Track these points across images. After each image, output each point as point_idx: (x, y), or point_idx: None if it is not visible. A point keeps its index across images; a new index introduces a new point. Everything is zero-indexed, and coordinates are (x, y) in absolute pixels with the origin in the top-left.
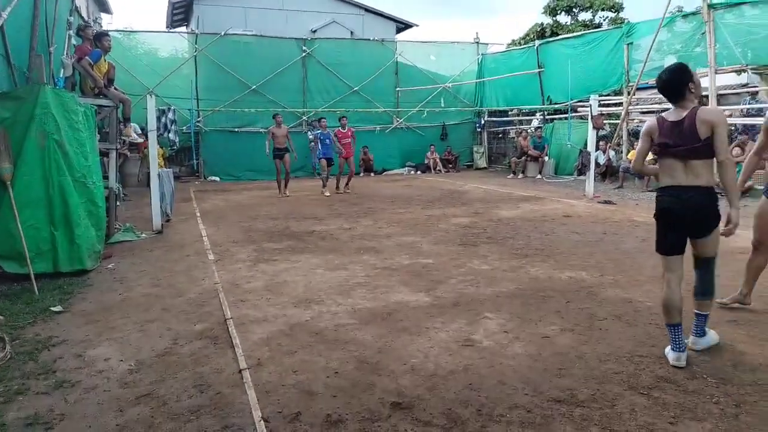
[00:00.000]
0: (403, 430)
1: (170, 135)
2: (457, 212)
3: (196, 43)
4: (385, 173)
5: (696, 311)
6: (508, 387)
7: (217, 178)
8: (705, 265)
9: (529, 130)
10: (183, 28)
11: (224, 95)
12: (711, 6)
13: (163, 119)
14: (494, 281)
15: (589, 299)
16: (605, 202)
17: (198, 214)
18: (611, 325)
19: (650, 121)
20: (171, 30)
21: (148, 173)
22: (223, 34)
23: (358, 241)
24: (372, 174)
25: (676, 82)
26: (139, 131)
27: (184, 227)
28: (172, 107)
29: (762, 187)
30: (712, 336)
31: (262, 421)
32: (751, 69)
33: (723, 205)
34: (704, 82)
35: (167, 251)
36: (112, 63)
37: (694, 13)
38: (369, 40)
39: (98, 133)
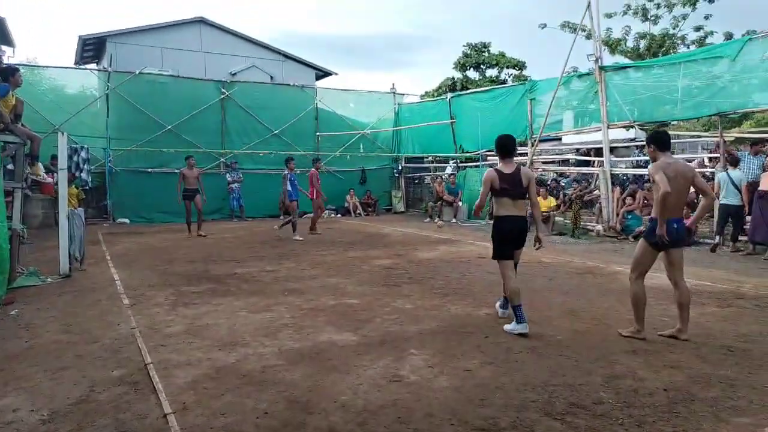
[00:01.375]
0: None
1: (83, 175)
2: (379, 254)
3: (108, 81)
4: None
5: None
6: (436, 418)
7: (127, 220)
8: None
9: (443, 176)
10: (93, 65)
11: (138, 135)
12: (602, 68)
13: (75, 158)
14: (418, 319)
15: (505, 334)
16: None
17: (108, 258)
18: (526, 358)
19: (490, 172)
20: (80, 66)
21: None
22: (137, 72)
23: (281, 283)
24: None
25: (513, 146)
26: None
27: (95, 271)
28: (85, 146)
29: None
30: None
31: None
32: (638, 125)
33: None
34: (597, 136)
35: (77, 296)
36: (20, 99)
37: (587, 74)
38: (289, 85)
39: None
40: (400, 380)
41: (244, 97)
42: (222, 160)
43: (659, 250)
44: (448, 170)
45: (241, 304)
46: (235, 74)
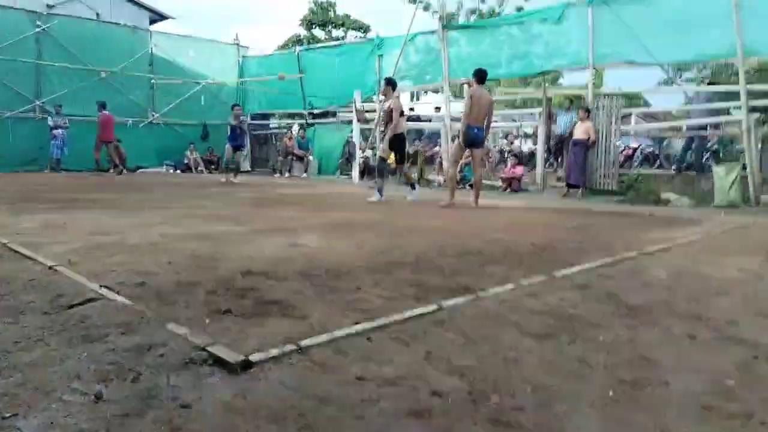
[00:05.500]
0: (263, 282)
1: None
2: (238, 192)
3: None
4: (139, 171)
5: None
6: (345, 262)
7: None
8: None
9: (293, 131)
10: None
11: None
12: (445, 27)
13: None
14: (300, 220)
15: (388, 226)
16: (371, 187)
17: None
18: (411, 236)
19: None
20: None
21: None
22: None
23: (140, 203)
24: (124, 171)
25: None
26: None
27: None
28: None
29: None
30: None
31: (104, 288)
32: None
33: None
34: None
35: None
36: None
37: (432, 32)
38: (119, 24)
39: None
40: (300, 246)
41: (65, 33)
42: (38, 102)
43: (466, 147)
44: (295, 128)
45: (97, 215)
46: (53, 6)
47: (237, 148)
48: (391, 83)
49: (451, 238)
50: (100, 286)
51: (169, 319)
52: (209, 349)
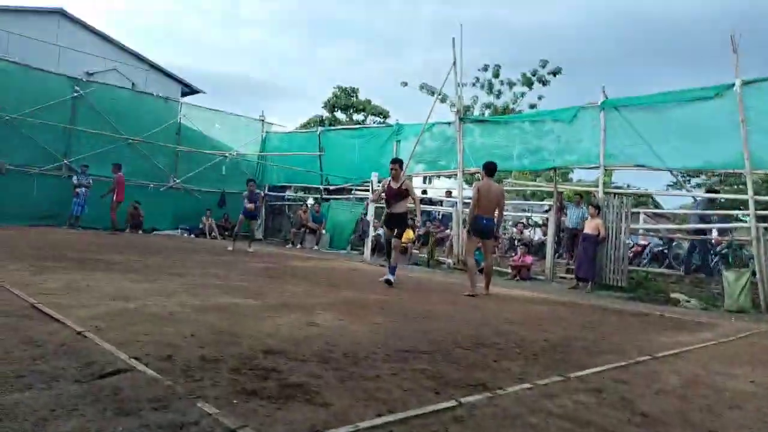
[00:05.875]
0: (284, 364)
1: None
2: (251, 261)
3: None
4: (155, 233)
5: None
6: (362, 346)
7: None
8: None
9: (308, 204)
10: None
11: None
12: (461, 119)
13: None
14: (313, 296)
15: (400, 307)
16: (382, 265)
17: None
18: (423, 320)
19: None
20: None
21: None
22: None
23: (157, 268)
24: (140, 232)
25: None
26: None
27: None
28: None
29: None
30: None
31: (133, 359)
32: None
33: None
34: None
35: None
36: None
37: (448, 123)
38: (152, 95)
39: None
40: (317, 325)
41: (101, 99)
42: (66, 161)
43: (477, 238)
44: (310, 201)
45: (118, 277)
46: (92, 74)
47: (252, 217)
48: (401, 163)
49: (464, 327)
50: (130, 357)
51: (199, 397)
52: None
